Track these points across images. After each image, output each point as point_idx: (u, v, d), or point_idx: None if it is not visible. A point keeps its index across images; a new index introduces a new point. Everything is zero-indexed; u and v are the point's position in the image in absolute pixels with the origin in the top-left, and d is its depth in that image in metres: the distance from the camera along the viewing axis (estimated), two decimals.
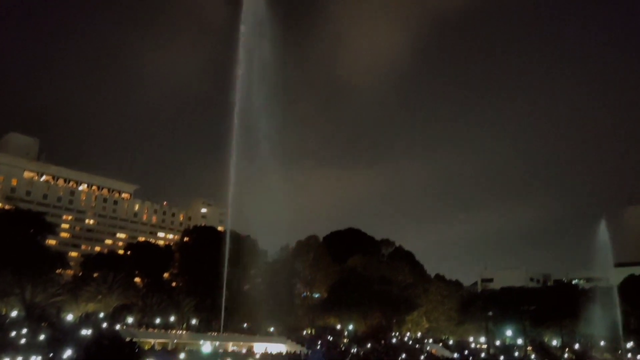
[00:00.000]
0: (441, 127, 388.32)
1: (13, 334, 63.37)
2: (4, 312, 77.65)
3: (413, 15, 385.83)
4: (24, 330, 65.00)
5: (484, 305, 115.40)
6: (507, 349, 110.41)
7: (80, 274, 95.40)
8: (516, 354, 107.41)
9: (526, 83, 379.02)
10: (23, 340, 60.87)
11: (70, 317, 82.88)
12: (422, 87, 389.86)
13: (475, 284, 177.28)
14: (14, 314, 78.76)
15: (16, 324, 69.26)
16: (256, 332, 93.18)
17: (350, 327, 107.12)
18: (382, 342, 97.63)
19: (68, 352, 55.16)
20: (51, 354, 55.39)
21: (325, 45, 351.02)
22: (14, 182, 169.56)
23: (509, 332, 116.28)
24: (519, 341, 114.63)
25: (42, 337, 62.58)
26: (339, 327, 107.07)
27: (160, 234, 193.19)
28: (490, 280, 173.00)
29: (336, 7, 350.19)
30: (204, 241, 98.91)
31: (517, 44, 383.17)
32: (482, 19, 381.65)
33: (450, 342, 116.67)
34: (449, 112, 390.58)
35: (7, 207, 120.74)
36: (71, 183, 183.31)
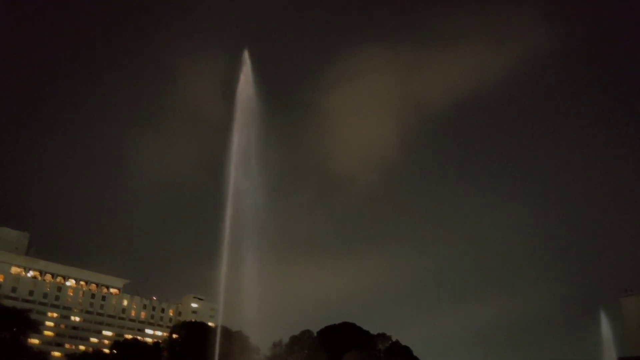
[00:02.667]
0: (433, 217, 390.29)
1: None
2: None
3: (401, 108, 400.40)
4: None
5: None
6: None
7: None
8: None
9: (519, 172, 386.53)
10: None
11: None
12: (412, 178, 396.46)
13: None
14: None
15: None
16: None
17: None
18: None
19: None
20: None
21: (318, 137, 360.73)
22: (0, 278, 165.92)
23: None
24: None
25: None
26: None
27: (149, 331, 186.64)
28: None
29: (327, 101, 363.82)
30: (193, 338, 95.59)
31: (504, 135, 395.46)
32: (468, 112, 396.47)
33: None
34: (440, 203, 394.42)
35: None
36: (59, 278, 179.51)
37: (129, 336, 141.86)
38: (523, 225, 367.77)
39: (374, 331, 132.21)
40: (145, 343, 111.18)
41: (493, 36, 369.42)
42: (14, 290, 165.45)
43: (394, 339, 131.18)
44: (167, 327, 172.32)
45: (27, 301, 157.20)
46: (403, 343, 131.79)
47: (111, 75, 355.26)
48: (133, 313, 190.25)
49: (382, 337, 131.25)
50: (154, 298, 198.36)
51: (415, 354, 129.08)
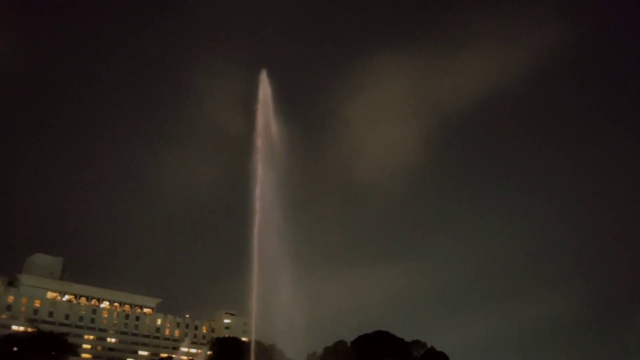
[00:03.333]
0: (461, 220, 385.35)
1: None
2: None
3: (421, 113, 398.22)
4: None
5: None
6: None
7: None
8: None
9: (545, 173, 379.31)
10: None
11: None
12: (437, 182, 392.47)
13: None
14: None
15: None
16: None
17: None
18: None
19: None
20: None
21: (340, 147, 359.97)
22: (37, 303, 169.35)
23: None
24: None
25: None
26: None
27: (184, 349, 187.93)
28: None
29: (347, 110, 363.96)
30: (227, 353, 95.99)
31: (524, 134, 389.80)
32: (487, 112, 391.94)
33: None
34: (466, 205, 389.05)
35: (30, 329, 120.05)
36: (93, 301, 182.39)
37: (164, 355, 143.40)
38: (558, 224, 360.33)
39: (408, 338, 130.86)
40: None
41: (507, 34, 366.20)
42: (50, 314, 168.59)
43: (428, 346, 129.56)
44: (202, 344, 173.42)
45: (63, 325, 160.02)
46: (438, 349, 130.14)
47: (134, 96, 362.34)
48: (167, 332, 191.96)
49: (417, 344, 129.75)
50: (187, 316, 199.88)
51: (451, 359, 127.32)
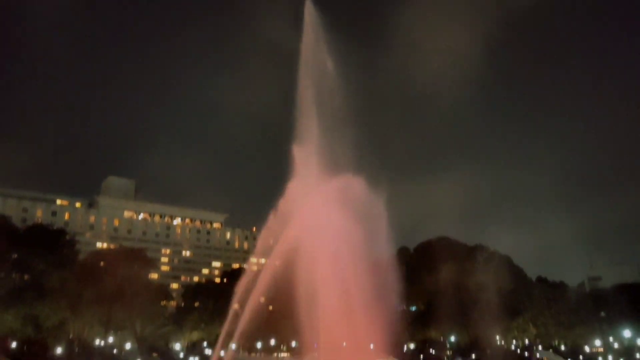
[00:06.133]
0: (524, 126, 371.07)
1: None
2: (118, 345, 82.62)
3: (482, 16, 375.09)
4: None
5: (595, 305, 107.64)
6: (628, 351, 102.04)
7: (183, 304, 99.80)
8: (638, 355, 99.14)
9: (612, 75, 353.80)
10: None
11: (177, 346, 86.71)
12: (498, 88, 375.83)
13: (582, 284, 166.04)
14: (127, 346, 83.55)
15: (130, 355, 73.46)
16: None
17: (452, 338, 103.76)
18: (487, 351, 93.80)
19: None
20: None
21: (397, 56, 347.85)
22: (116, 222, 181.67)
23: (627, 333, 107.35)
24: None
25: None
26: (441, 339, 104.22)
27: (254, 260, 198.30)
28: (599, 278, 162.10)
29: (403, 17, 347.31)
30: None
31: (591, 37, 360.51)
32: (553, 15, 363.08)
33: (562, 347, 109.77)
34: (529, 110, 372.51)
35: (112, 246, 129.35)
36: (166, 218, 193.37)
37: (236, 265, 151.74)
38: (625, 125, 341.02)
39: (470, 243, 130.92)
40: (252, 271, 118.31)
41: None
42: (129, 232, 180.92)
43: (492, 250, 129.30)
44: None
45: (141, 241, 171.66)
46: (502, 253, 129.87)
47: (192, 21, 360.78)
48: (236, 244, 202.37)
49: (480, 248, 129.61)
50: (254, 229, 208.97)
51: (515, 262, 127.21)
